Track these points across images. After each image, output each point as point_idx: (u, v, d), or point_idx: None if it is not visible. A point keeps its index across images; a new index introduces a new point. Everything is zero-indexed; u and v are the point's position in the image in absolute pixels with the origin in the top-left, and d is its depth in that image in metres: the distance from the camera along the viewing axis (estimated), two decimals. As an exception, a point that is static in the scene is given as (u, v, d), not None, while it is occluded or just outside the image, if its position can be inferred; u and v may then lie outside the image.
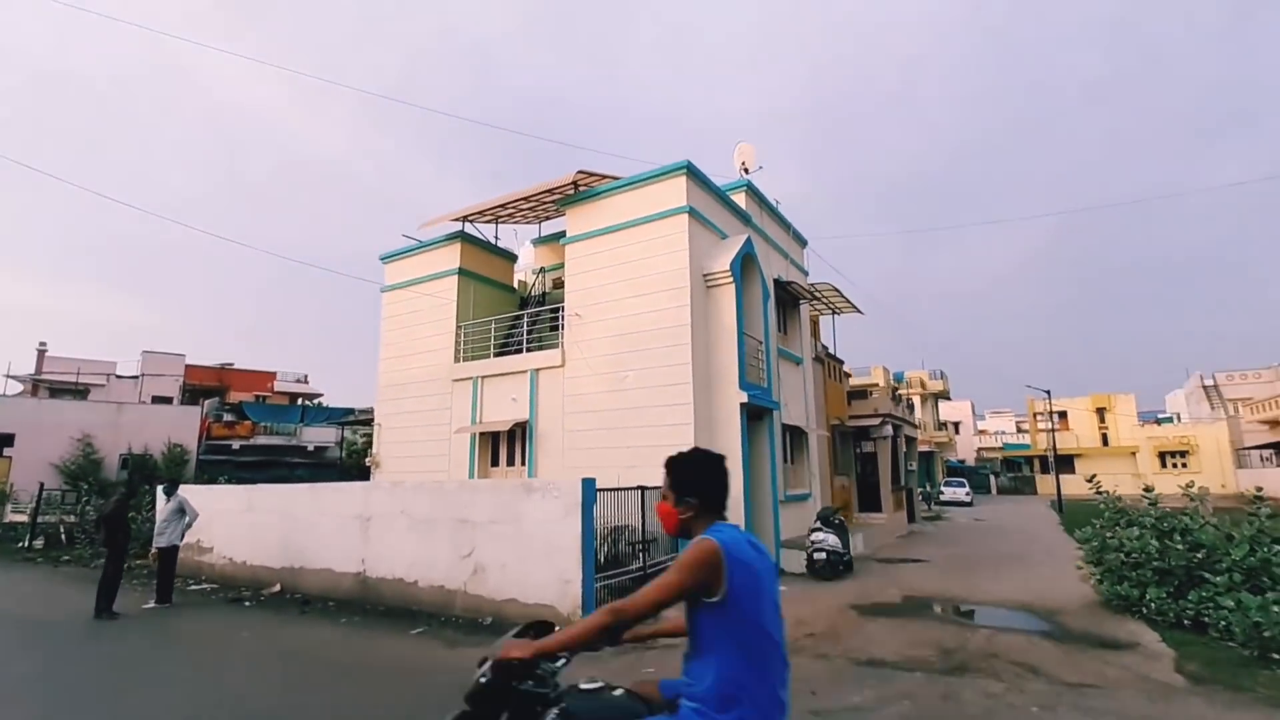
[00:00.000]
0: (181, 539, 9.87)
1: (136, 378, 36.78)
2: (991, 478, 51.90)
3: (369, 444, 35.46)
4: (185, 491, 11.53)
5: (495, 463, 13.96)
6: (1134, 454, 47.72)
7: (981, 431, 64.15)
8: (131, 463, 27.35)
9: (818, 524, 12.05)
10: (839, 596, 9.77)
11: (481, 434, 13.88)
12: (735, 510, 10.89)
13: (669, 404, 11.43)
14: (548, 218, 16.53)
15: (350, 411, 40.31)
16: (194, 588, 11.27)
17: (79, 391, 34.61)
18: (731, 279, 11.96)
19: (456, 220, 15.30)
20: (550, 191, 13.63)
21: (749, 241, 12.87)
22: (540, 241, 17.97)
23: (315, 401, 48.43)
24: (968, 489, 36.76)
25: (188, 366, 39.00)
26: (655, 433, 11.42)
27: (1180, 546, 7.96)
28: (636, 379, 11.86)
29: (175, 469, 27.61)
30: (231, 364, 46.97)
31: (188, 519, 9.88)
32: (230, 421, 33.99)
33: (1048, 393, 33.03)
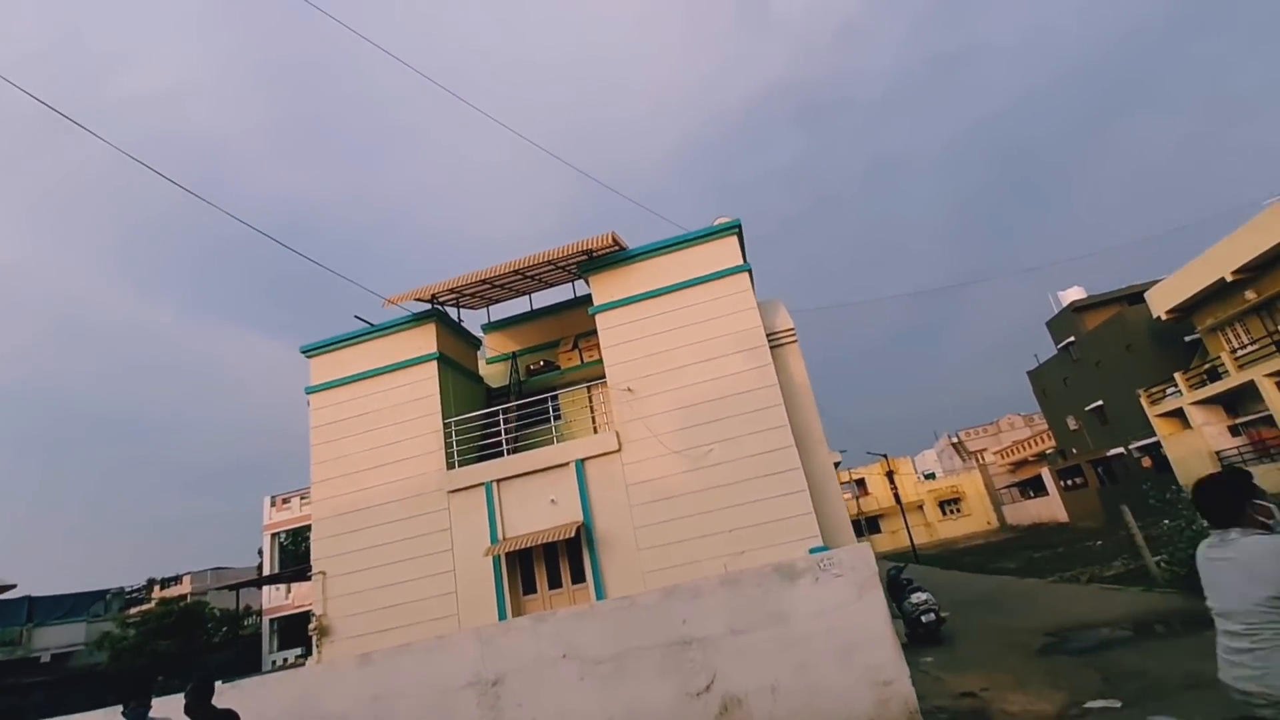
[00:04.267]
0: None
1: None
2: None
3: (159, 628, 25.72)
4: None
5: (529, 589, 10.91)
6: (920, 507, 55.92)
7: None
8: None
9: (907, 581, 11.48)
10: (1012, 654, 9.13)
11: (507, 555, 10.85)
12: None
13: (770, 473, 10.23)
14: (535, 290, 14.58)
15: (100, 596, 29.74)
16: None
17: None
18: (796, 335, 11.55)
19: (432, 296, 12.63)
20: (582, 254, 12.06)
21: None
22: (492, 327, 15.68)
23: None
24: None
25: None
26: (760, 508, 10.07)
27: None
28: (722, 452, 10.48)
29: None
30: None
31: None
32: (-101, 641, 22.19)
33: (839, 462, 37.32)
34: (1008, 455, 50.61)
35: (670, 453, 10.61)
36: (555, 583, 10.84)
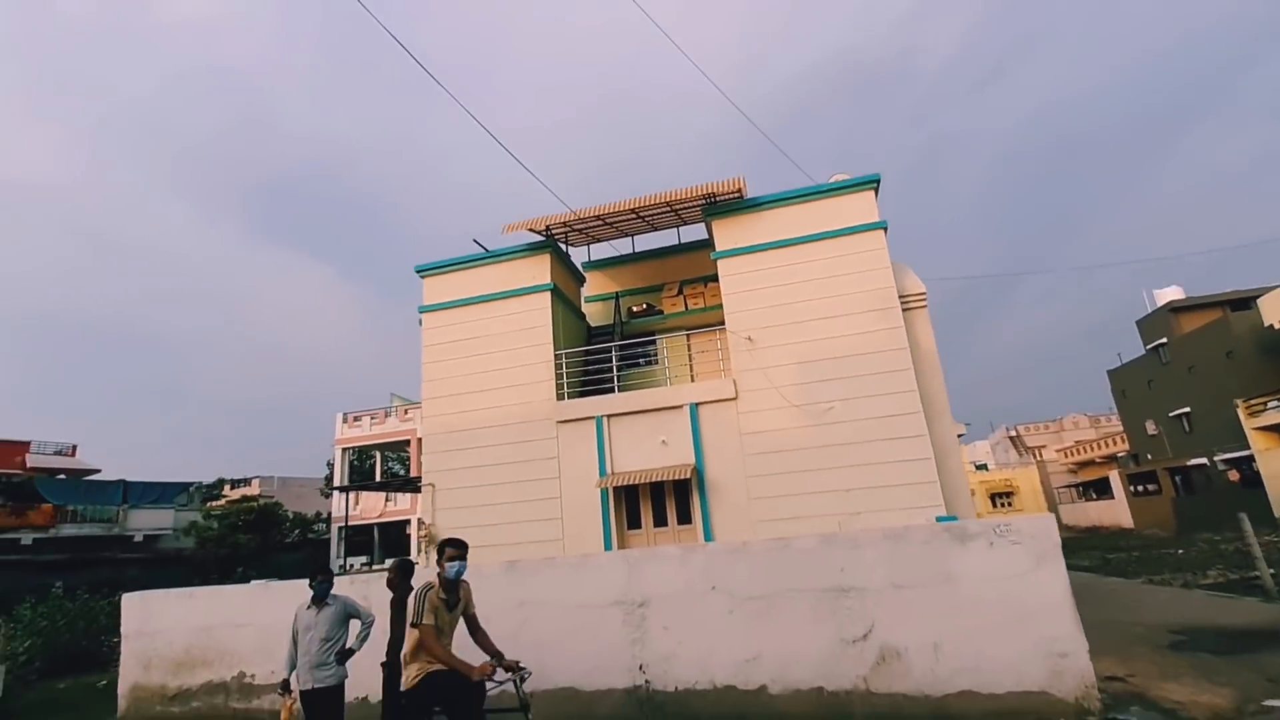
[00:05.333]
0: (345, 667, 5.89)
1: None
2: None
3: (238, 524, 27.51)
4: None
5: (634, 524, 11.07)
6: (972, 495, 54.92)
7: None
8: None
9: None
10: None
11: (614, 489, 10.98)
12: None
13: (893, 437, 9.99)
14: (640, 232, 14.38)
15: (185, 487, 31.67)
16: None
17: None
18: (925, 300, 11.09)
19: (547, 228, 12.54)
20: (703, 198, 11.77)
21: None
22: (592, 266, 15.56)
23: (91, 477, 37.27)
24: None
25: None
26: (880, 471, 9.87)
27: None
28: (843, 410, 10.26)
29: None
30: None
31: (364, 629, 6.00)
32: (18, 507, 24.17)
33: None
34: (1071, 454, 48.94)
35: (789, 406, 10.45)
36: (660, 521, 10.96)
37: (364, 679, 6.39)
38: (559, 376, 11.85)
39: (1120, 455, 40.08)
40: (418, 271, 13.15)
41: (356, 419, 31.69)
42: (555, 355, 11.95)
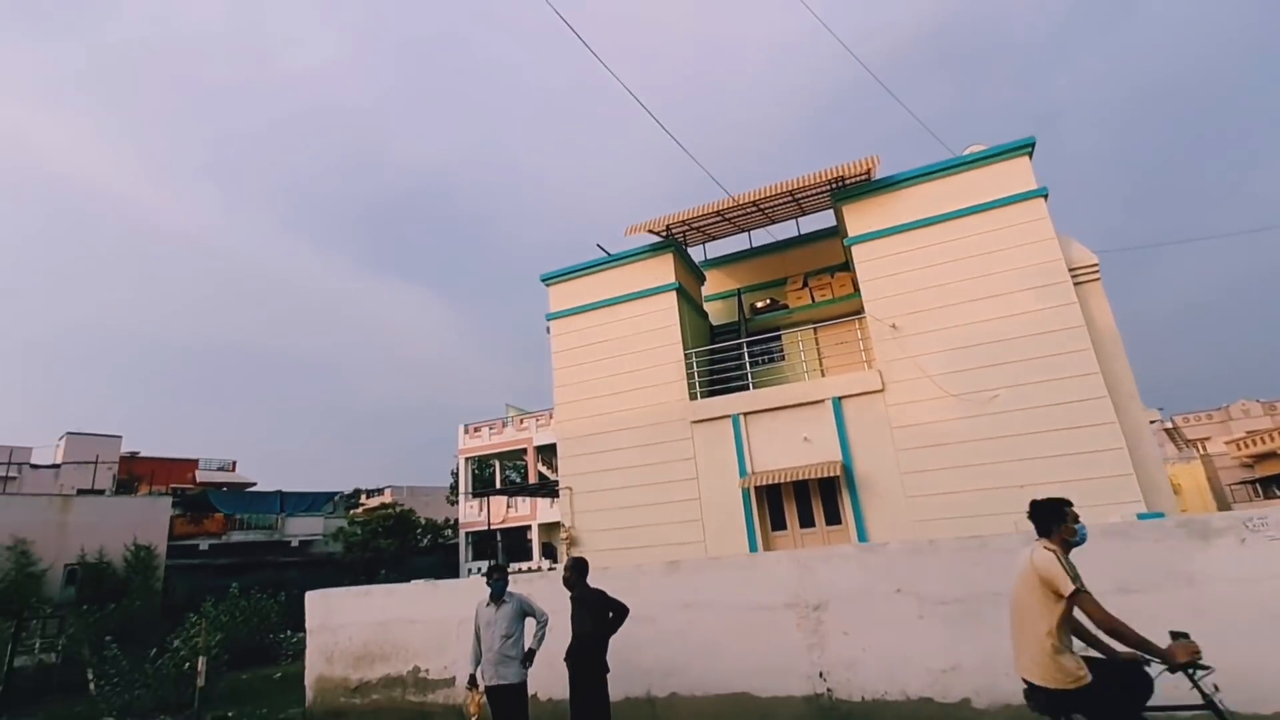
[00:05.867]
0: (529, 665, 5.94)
1: (57, 466, 29.20)
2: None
3: (379, 530, 29.62)
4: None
5: (779, 525, 10.67)
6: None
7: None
8: (83, 574, 20.78)
9: None
10: None
11: (756, 489, 10.62)
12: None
13: (1074, 426, 8.97)
14: (758, 226, 14.04)
15: (331, 496, 34.35)
16: (459, 748, 7.12)
17: (-19, 488, 26.79)
18: (1099, 272, 9.94)
19: (667, 227, 12.45)
20: (831, 182, 11.26)
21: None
22: (711, 264, 15.31)
23: (249, 489, 41.15)
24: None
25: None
26: (1060, 465, 8.87)
27: None
28: (1009, 399, 9.34)
29: (141, 578, 21.27)
30: (137, 452, 39.23)
31: (540, 629, 6.04)
32: (195, 516, 27.26)
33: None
34: (1245, 446, 42.88)
35: (946, 396, 9.66)
36: (807, 522, 10.47)
37: (537, 676, 6.39)
38: (690, 376, 11.67)
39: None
40: (543, 280, 13.46)
41: (477, 430, 33.19)
42: (685, 355, 11.78)
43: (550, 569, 22.51)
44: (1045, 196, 9.92)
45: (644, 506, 11.26)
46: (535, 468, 31.82)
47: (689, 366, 11.73)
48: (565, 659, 5.30)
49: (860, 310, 12.77)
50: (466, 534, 31.48)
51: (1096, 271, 9.94)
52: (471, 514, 31.63)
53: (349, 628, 8.80)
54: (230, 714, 10.07)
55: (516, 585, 7.70)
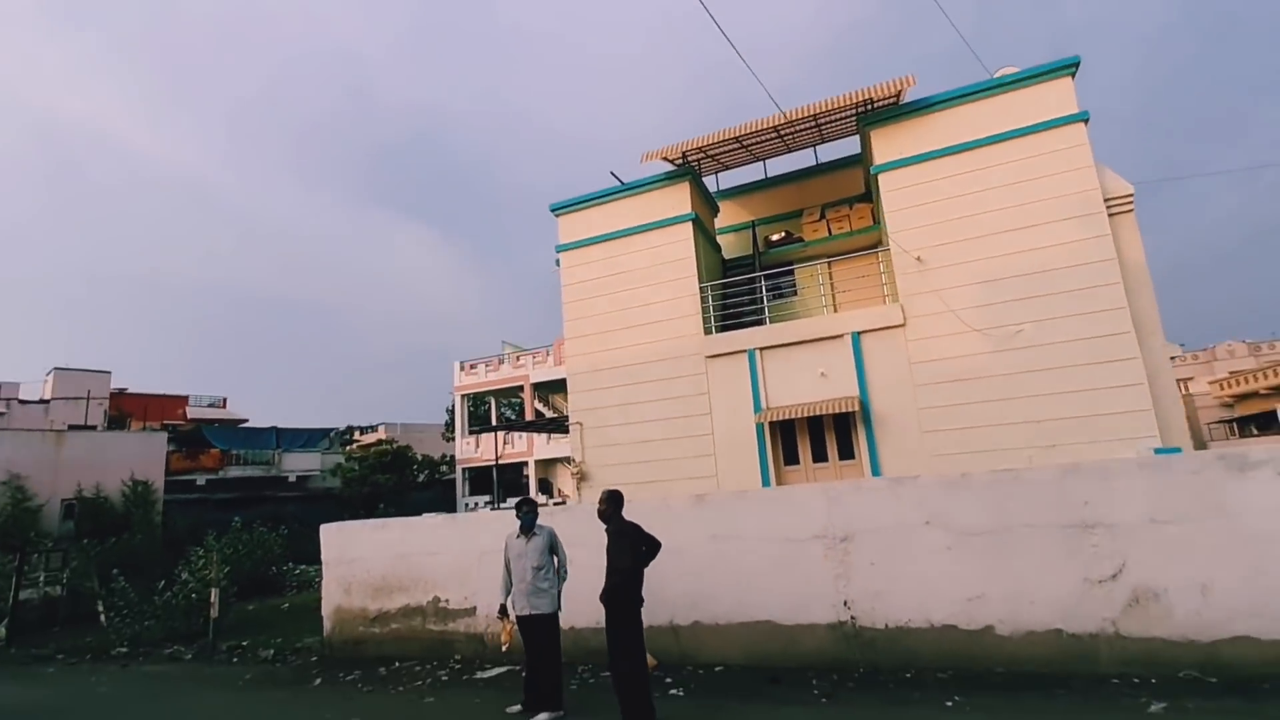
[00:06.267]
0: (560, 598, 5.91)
1: (46, 402, 28.78)
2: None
3: (376, 465, 29.82)
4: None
5: (791, 460, 10.66)
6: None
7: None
8: (80, 509, 20.77)
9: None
10: None
11: (770, 424, 10.55)
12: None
13: (1097, 361, 8.87)
14: (776, 154, 13.45)
15: (326, 433, 34.34)
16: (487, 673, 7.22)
17: (-30, 423, 26.41)
18: (1132, 203, 9.62)
19: (683, 155, 11.88)
20: (858, 105, 10.69)
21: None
22: (724, 194, 14.76)
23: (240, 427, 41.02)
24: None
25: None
26: (1080, 400, 8.82)
27: None
28: (1034, 333, 9.19)
29: (141, 513, 21.32)
30: (125, 389, 38.73)
31: (561, 567, 6.00)
32: (191, 452, 27.15)
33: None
34: (1228, 386, 43.70)
35: (968, 331, 9.49)
36: (820, 457, 10.47)
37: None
38: (705, 310, 11.39)
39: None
40: (552, 210, 12.92)
41: (473, 366, 32.93)
42: (700, 288, 11.46)
43: (557, 504, 22.89)
44: (1086, 121, 9.46)
45: (656, 441, 11.20)
46: (532, 405, 31.81)
47: (704, 300, 11.43)
48: (604, 595, 5.23)
49: (879, 243, 12.46)
50: (463, 470, 31.73)
51: (1130, 202, 9.61)
52: (468, 450, 31.78)
53: (366, 560, 8.78)
54: (244, 643, 10.19)
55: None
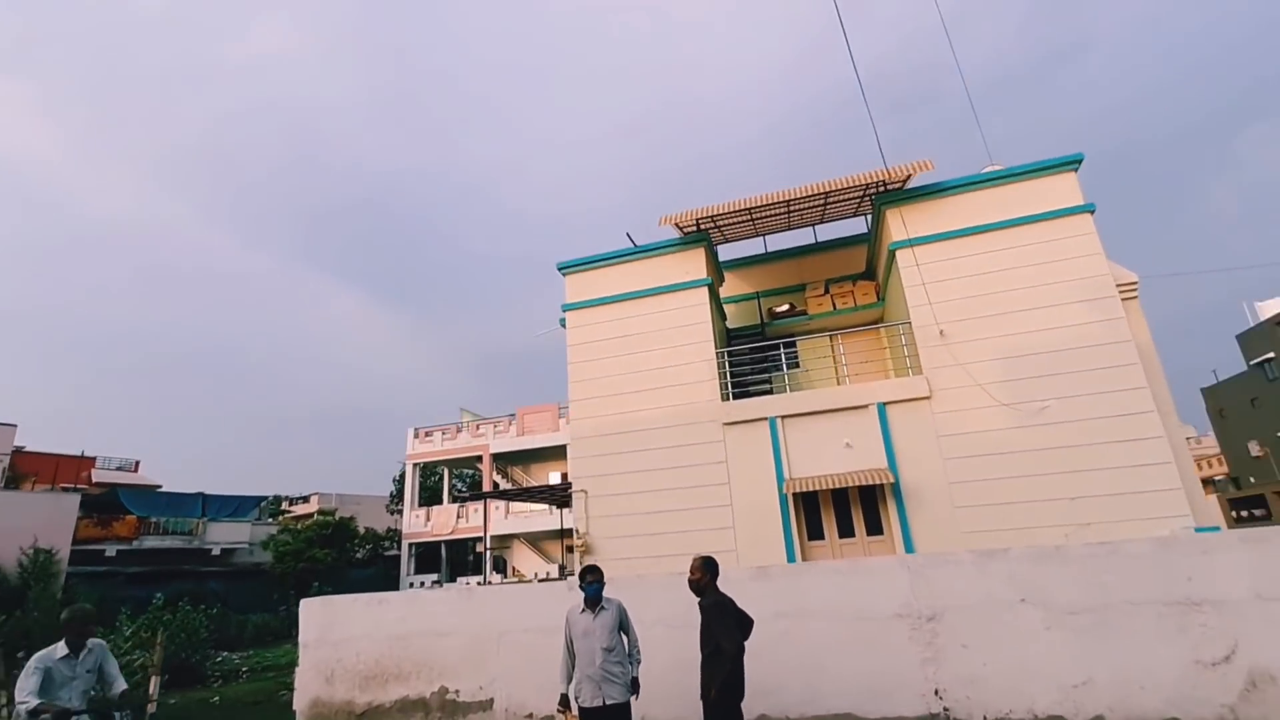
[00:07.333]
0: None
1: (-69, 459, 25.23)
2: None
3: (314, 538, 27.08)
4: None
5: (815, 535, 10.16)
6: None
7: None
8: (-34, 582, 17.91)
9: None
10: None
11: (793, 495, 10.11)
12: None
13: (1122, 439, 8.99)
14: (781, 229, 13.69)
15: (258, 501, 31.51)
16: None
17: None
18: (1137, 290, 10.13)
19: (697, 222, 11.92)
20: (869, 185, 11.06)
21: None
22: (728, 265, 14.87)
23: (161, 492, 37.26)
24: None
25: None
26: (1111, 478, 8.86)
27: None
28: (1059, 411, 9.29)
29: (40, 587, 18.55)
30: (22, 447, 34.86)
31: (634, 650, 5.23)
32: (103, 518, 24.09)
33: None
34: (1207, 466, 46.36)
35: (994, 405, 9.51)
36: (846, 532, 10.02)
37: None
38: (721, 376, 11.10)
39: (1218, 479, 37.72)
40: (560, 269, 12.61)
41: (428, 434, 31.30)
42: (716, 353, 11.21)
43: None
44: (1092, 212, 10.05)
45: (669, 512, 10.52)
46: (491, 476, 30.25)
47: (721, 366, 11.16)
48: (714, 688, 4.46)
49: (882, 319, 12.67)
50: (410, 545, 29.43)
51: (1136, 289, 10.13)
52: (417, 524, 29.63)
53: (356, 641, 7.58)
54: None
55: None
